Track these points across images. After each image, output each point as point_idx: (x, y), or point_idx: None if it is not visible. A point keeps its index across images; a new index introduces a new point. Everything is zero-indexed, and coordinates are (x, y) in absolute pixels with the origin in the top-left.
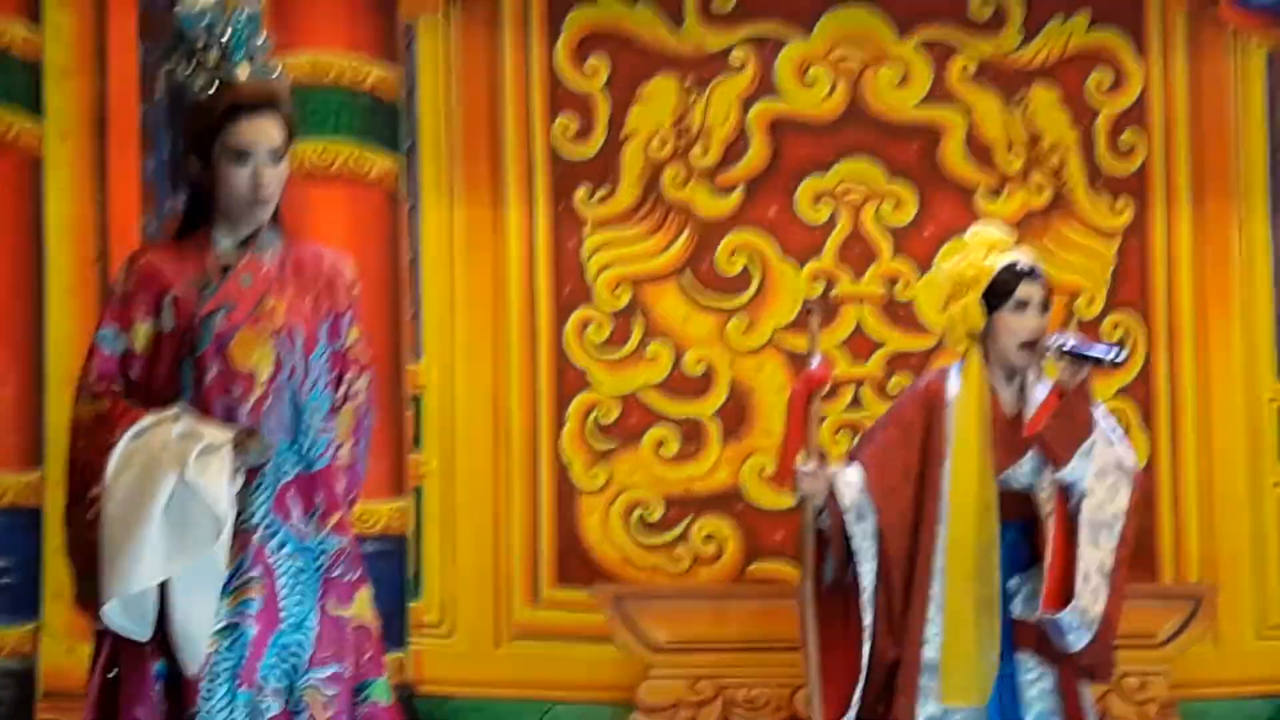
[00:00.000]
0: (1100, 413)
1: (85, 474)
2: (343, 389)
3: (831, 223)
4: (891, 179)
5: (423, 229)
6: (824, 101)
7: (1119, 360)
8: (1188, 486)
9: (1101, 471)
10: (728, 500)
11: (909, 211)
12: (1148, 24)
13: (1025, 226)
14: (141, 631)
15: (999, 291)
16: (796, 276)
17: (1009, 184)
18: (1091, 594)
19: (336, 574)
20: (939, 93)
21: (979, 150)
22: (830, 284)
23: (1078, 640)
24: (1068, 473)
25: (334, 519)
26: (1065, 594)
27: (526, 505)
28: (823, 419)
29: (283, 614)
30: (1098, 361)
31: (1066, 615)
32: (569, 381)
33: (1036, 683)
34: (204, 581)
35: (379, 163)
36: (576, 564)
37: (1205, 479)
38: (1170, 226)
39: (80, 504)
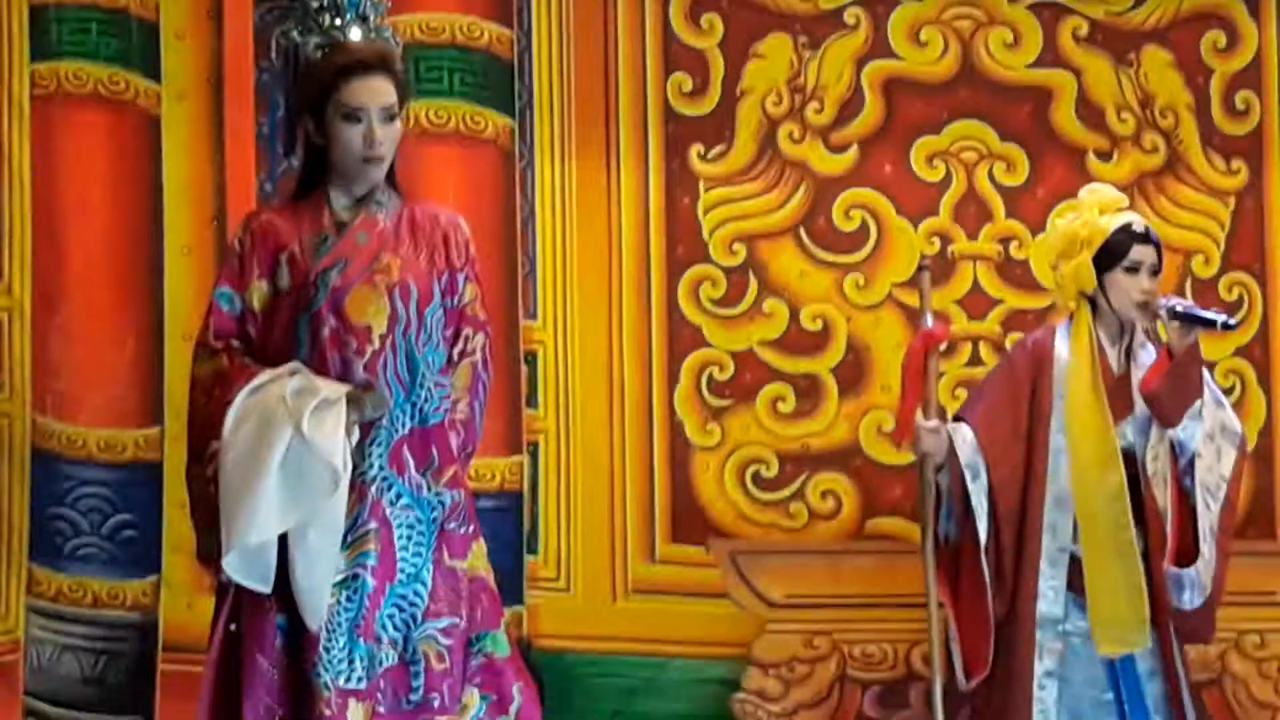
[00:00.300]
0: (1207, 375)
1: (205, 430)
2: (459, 345)
3: (946, 182)
4: (1004, 140)
5: (537, 187)
6: (937, 62)
7: (1231, 325)
8: None
9: (1210, 434)
10: (845, 456)
11: (1021, 173)
12: None
13: (1138, 188)
14: (263, 584)
15: (1112, 252)
16: (912, 234)
17: (1120, 145)
18: (1210, 554)
19: (451, 527)
20: (1050, 54)
21: (1090, 112)
22: (946, 242)
23: (1194, 599)
24: (1179, 432)
25: (449, 473)
26: (1187, 551)
27: (642, 462)
28: (941, 375)
29: (399, 566)
30: (1209, 324)
31: (1192, 571)
32: (684, 339)
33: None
34: (323, 535)
35: (493, 121)
36: (692, 521)
37: None
38: None
39: (200, 459)
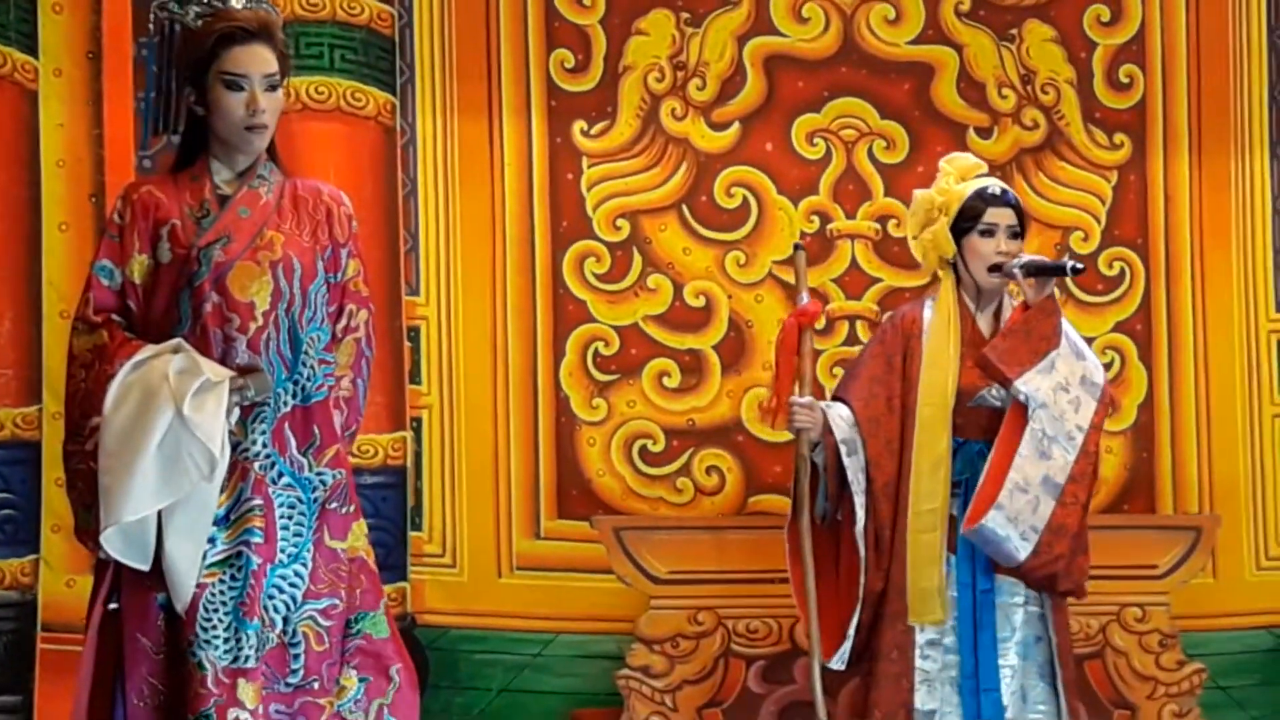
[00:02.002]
0: (1068, 327)
1: (84, 405)
2: (343, 321)
3: (826, 160)
4: (884, 118)
5: (419, 164)
6: (818, 39)
7: (1079, 268)
8: (1186, 419)
9: (1063, 384)
10: (729, 432)
11: (901, 150)
12: None
13: (1017, 165)
14: (142, 561)
15: (968, 216)
16: (792, 212)
17: (1001, 122)
18: (1028, 504)
19: (332, 507)
20: (932, 30)
21: (972, 88)
22: (825, 221)
23: (1017, 551)
24: (1021, 385)
25: (330, 452)
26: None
27: (526, 437)
28: (819, 354)
29: (280, 546)
30: (1059, 271)
31: (987, 523)
32: (569, 314)
33: (1021, 607)
34: (193, 516)
35: (374, 98)
36: (577, 496)
37: (1204, 411)
38: (1168, 161)
39: (79, 435)
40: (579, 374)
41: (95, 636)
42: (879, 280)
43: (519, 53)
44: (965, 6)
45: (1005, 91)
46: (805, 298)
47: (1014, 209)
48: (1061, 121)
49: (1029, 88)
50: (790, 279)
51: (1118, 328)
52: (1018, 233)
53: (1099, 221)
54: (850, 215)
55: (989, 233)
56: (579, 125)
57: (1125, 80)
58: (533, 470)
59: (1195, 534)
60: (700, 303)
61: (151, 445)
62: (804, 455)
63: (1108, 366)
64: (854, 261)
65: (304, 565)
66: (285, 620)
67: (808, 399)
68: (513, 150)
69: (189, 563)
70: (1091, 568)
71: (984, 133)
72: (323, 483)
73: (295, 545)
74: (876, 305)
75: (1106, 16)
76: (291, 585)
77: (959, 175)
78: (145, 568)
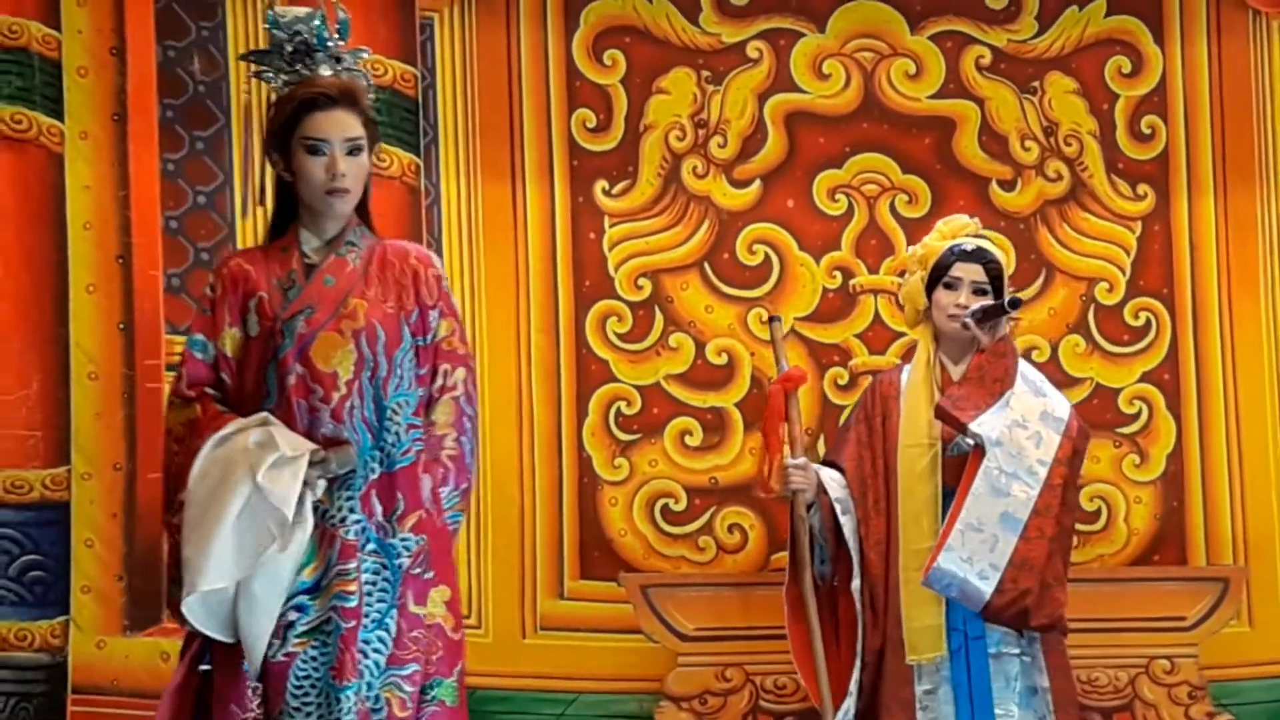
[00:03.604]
0: (1027, 367)
1: (177, 479)
2: (438, 381)
3: (848, 215)
4: (906, 172)
5: (443, 224)
6: (839, 95)
7: (1018, 301)
8: (1218, 467)
9: (1020, 421)
10: (751, 490)
11: (924, 204)
12: (1166, 8)
13: (1041, 216)
14: (223, 632)
15: (939, 270)
16: (814, 268)
17: (1024, 174)
18: (983, 543)
19: (415, 572)
20: (953, 84)
21: (994, 141)
22: (847, 276)
23: (979, 591)
24: (974, 427)
25: (412, 519)
26: None
27: (550, 497)
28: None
29: (365, 612)
30: (999, 310)
31: (940, 565)
32: (591, 373)
33: (1017, 657)
34: (267, 586)
35: (399, 158)
36: (600, 556)
37: (1235, 459)
38: (1193, 211)
39: (171, 508)
40: (601, 434)
41: (173, 699)
42: (902, 334)
43: (541, 112)
44: (986, 60)
45: (1028, 144)
46: (784, 365)
47: (985, 267)
48: (1085, 173)
49: (1052, 140)
50: (815, 335)
51: (1145, 378)
52: (984, 290)
53: (1124, 272)
54: (873, 270)
55: (952, 286)
56: (601, 185)
57: (1148, 131)
58: (556, 530)
59: (1223, 585)
60: (722, 360)
61: (230, 516)
62: (801, 516)
63: (1135, 417)
64: (877, 316)
65: (388, 631)
66: (369, 686)
67: (801, 460)
68: (535, 210)
69: (261, 630)
70: (1119, 620)
71: (1007, 185)
72: (406, 549)
73: (380, 611)
74: (899, 360)
75: (1128, 68)
76: (376, 651)
77: (947, 234)
78: (226, 639)
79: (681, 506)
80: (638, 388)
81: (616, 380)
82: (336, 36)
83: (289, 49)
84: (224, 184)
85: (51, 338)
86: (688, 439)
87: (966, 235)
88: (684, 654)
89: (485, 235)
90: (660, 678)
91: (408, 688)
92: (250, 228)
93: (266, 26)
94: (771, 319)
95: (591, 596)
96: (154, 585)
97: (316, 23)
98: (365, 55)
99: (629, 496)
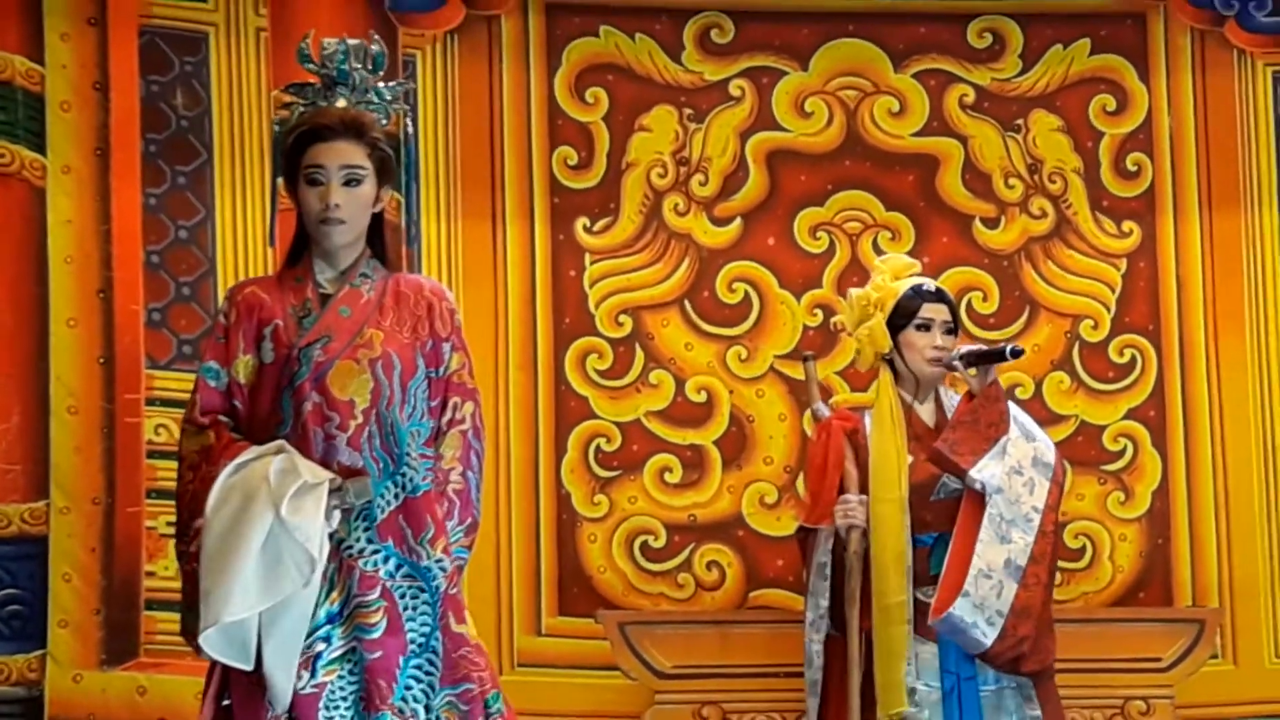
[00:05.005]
0: (1016, 410)
1: (191, 506)
2: (447, 414)
3: (829, 253)
4: (888, 210)
5: (424, 261)
6: (821, 133)
7: (1018, 351)
8: (1204, 503)
9: (1016, 468)
10: (730, 527)
11: (906, 242)
12: (1151, 47)
13: (1025, 254)
14: (243, 662)
15: (904, 312)
16: (795, 306)
17: (1008, 212)
18: (992, 590)
19: (454, 592)
20: (936, 122)
21: (977, 179)
22: (829, 314)
23: (983, 637)
24: (975, 474)
25: (442, 542)
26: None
27: (528, 534)
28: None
29: (409, 637)
30: (998, 357)
31: (955, 611)
32: (571, 410)
33: (1006, 696)
34: (293, 621)
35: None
36: (578, 593)
37: (1221, 495)
38: (1179, 247)
39: (186, 536)
40: (580, 470)
41: None
42: None
43: (522, 150)
44: (970, 99)
45: (1012, 181)
46: (819, 403)
47: (948, 306)
48: (1069, 210)
49: (1036, 177)
50: (793, 373)
51: (1130, 414)
52: (952, 329)
53: (1109, 309)
54: None
55: (924, 327)
56: (582, 222)
57: (1133, 168)
58: (534, 567)
59: (1199, 626)
60: (702, 398)
61: (253, 548)
62: (858, 553)
63: (1120, 454)
64: (858, 354)
65: (435, 653)
66: (427, 709)
67: (858, 495)
68: (516, 248)
69: (287, 665)
70: (1096, 660)
71: (990, 223)
72: (442, 569)
73: (424, 634)
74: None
75: (1112, 106)
76: (428, 674)
77: (893, 274)
78: (247, 668)
79: (661, 543)
80: (617, 424)
81: (596, 417)
82: (363, 68)
83: (318, 83)
84: (205, 219)
85: (32, 371)
86: (667, 476)
87: (912, 275)
88: (661, 691)
89: (465, 273)
90: (638, 715)
91: (463, 705)
92: (232, 263)
93: (298, 61)
94: (805, 358)
95: (569, 633)
96: (131, 619)
97: (340, 55)
98: (402, 88)
99: (608, 533)
